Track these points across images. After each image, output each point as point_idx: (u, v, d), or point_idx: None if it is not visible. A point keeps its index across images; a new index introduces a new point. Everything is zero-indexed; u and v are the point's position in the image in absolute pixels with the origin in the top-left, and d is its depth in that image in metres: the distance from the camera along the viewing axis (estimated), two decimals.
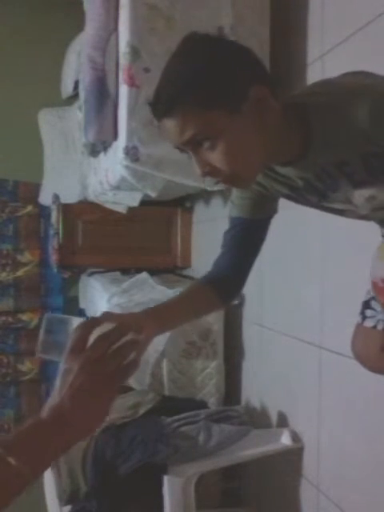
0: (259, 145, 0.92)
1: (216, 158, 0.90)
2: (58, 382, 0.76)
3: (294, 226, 2.21)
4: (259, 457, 2.23)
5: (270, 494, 2.52)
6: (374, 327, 1.30)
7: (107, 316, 0.87)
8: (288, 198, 1.13)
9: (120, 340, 0.80)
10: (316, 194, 1.06)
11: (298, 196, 1.09)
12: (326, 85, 0.99)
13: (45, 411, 0.74)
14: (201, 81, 0.86)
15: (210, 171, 0.93)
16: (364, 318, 1.33)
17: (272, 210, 1.18)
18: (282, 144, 0.95)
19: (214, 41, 0.91)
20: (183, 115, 0.87)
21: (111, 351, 0.79)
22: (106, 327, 0.82)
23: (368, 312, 1.32)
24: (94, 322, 0.83)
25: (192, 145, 0.90)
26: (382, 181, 0.97)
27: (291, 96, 0.99)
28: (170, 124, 0.89)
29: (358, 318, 1.34)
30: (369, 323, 1.32)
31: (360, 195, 1.02)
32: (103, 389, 0.77)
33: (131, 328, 0.84)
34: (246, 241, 1.17)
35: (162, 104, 0.89)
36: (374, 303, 1.31)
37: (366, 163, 0.93)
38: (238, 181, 0.96)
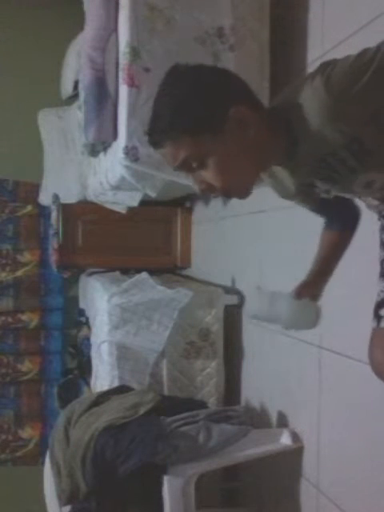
0: (246, 159, 1.01)
1: (209, 176, 1.01)
2: None
3: (294, 225, 2.21)
4: (259, 457, 2.23)
5: (270, 494, 2.52)
6: None
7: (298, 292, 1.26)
8: (299, 195, 1.18)
9: None
10: (320, 188, 1.11)
11: (304, 192, 1.15)
12: (301, 83, 1.00)
13: None
14: (183, 113, 0.97)
15: (206, 188, 1.03)
16: (379, 319, 1.19)
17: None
18: (271, 150, 1.03)
19: (192, 71, 1.01)
20: (173, 144, 0.99)
21: None
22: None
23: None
24: None
25: (187, 167, 1.01)
26: (371, 164, 1.00)
27: (276, 100, 1.07)
28: (164, 152, 1.02)
29: (372, 324, 1.21)
30: None
31: (358, 184, 1.06)
32: None
33: None
34: (334, 209, 1.30)
35: (154, 137, 1.01)
36: None
37: (349, 149, 0.98)
38: (232, 194, 1.06)
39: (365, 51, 0.93)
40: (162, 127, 0.99)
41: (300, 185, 1.13)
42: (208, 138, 0.97)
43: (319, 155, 1.01)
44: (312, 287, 1.31)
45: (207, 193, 1.04)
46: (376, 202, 1.14)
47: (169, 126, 0.98)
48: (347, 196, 1.17)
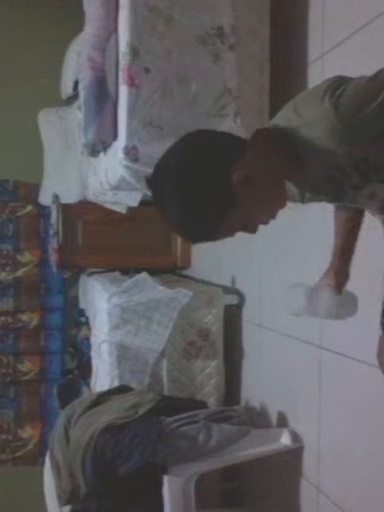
0: (272, 195, 1.03)
1: (256, 223, 1.08)
2: None
3: (294, 226, 2.21)
4: (259, 457, 2.23)
5: (270, 494, 2.53)
6: None
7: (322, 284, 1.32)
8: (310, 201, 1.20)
9: None
10: (327, 200, 1.15)
11: (314, 201, 1.17)
12: (296, 105, 1.01)
13: None
14: (195, 219, 1.05)
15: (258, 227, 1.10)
16: None
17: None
18: (282, 176, 1.04)
19: (186, 161, 1.00)
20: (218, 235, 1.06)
21: None
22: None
23: None
24: None
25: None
26: (375, 178, 1.01)
27: (276, 118, 1.06)
28: None
29: (379, 332, 1.22)
30: None
31: (363, 195, 1.07)
32: None
33: None
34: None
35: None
36: None
37: (356, 169, 0.99)
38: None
39: (378, 74, 0.92)
40: (201, 235, 1.08)
41: (309, 199, 1.15)
42: (235, 213, 1.00)
43: (325, 172, 1.03)
44: (340, 271, 1.34)
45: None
46: (374, 207, 1.15)
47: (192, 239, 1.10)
48: (353, 206, 1.20)
